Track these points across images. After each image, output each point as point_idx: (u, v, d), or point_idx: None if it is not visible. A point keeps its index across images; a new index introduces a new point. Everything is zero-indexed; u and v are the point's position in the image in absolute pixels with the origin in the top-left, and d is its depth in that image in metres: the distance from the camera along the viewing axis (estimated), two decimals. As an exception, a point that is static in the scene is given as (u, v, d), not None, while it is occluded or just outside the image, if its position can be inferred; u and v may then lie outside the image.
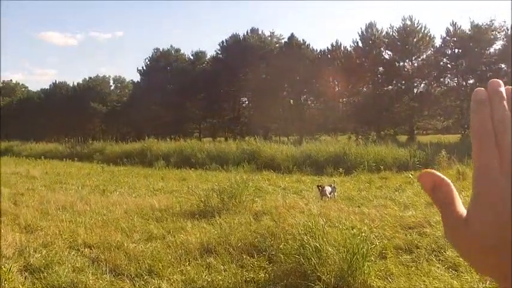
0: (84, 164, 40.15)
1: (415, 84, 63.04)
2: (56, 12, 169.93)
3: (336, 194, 17.05)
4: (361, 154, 28.38)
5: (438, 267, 8.68)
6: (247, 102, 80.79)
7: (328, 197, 16.32)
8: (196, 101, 77.15)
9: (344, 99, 69.44)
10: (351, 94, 67.65)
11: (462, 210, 0.82)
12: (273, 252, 9.56)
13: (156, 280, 8.56)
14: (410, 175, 20.97)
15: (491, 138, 0.80)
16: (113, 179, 26.13)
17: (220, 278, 8.58)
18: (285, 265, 8.68)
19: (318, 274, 8.13)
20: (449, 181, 0.86)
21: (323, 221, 10.18)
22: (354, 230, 9.55)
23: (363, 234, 8.93)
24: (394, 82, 63.84)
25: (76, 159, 43.56)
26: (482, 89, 0.86)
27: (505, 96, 0.84)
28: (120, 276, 8.84)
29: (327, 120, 66.32)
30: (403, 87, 63.36)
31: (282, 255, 8.90)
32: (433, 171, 0.87)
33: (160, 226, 12.50)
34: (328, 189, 16.58)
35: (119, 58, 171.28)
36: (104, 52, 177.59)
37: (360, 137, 56.80)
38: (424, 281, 8.04)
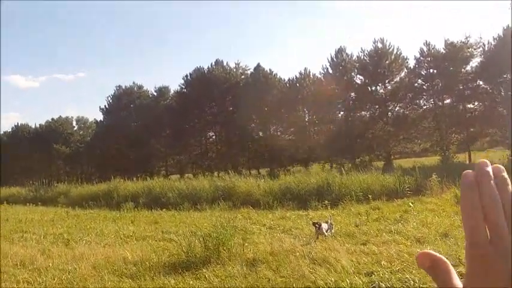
0: (48, 208, 37.83)
1: (390, 108, 61.08)
2: (17, 55, 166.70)
3: (333, 231, 15.23)
4: (346, 184, 26.72)
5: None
6: (214, 136, 78.81)
7: (325, 235, 14.51)
8: (161, 137, 75.54)
9: (316, 128, 67.65)
10: (322, 122, 65.82)
11: (459, 284, 0.92)
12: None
13: None
14: (410, 203, 19.30)
15: (481, 217, 0.87)
16: (79, 225, 23.91)
17: None
18: None
19: None
20: (445, 259, 0.95)
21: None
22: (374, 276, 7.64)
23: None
24: (368, 107, 61.49)
25: (40, 203, 41.66)
26: (470, 171, 0.92)
27: (492, 176, 0.90)
28: None
29: (298, 150, 64.92)
30: (377, 111, 61.27)
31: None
32: (429, 251, 0.96)
33: (136, 286, 10.37)
34: (325, 226, 14.84)
35: (82, 99, 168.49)
36: (67, 94, 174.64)
37: (334, 165, 55.54)
38: None
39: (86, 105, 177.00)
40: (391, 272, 9.45)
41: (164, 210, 28.53)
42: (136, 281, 10.72)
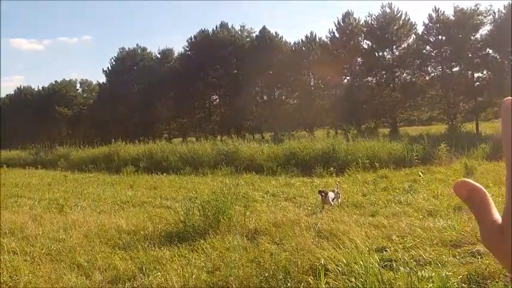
0: (47, 172, 37.44)
1: (397, 74, 59.99)
2: (21, 18, 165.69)
3: (339, 200, 14.52)
4: (352, 150, 26.08)
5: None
6: (218, 99, 78.05)
7: (331, 205, 13.82)
8: (165, 100, 74.27)
9: (321, 93, 66.41)
10: (328, 87, 64.72)
11: (497, 216, 0.88)
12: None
13: None
14: (420, 173, 18.54)
15: None
16: (76, 190, 23.17)
17: None
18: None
19: None
20: (483, 189, 0.91)
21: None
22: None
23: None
24: (374, 73, 60.77)
25: (40, 166, 41.37)
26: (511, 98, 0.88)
27: None
28: None
29: (303, 115, 64.36)
30: (384, 77, 60.55)
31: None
32: (467, 180, 0.93)
33: (128, 257, 9.60)
34: (331, 195, 14.07)
35: (87, 62, 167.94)
36: (71, 57, 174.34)
37: (339, 131, 54.82)
38: None
39: (91, 68, 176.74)
40: (403, 249, 8.72)
41: (165, 174, 27.92)
42: (129, 252, 9.97)
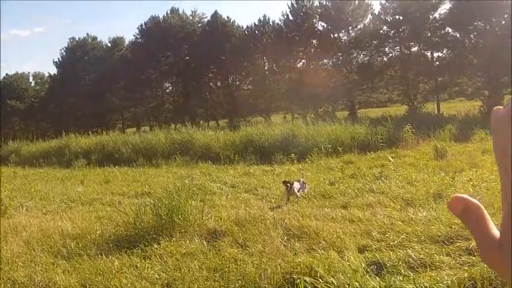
0: (-3, 168, 35.35)
1: (354, 56, 59.79)
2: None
3: (306, 190, 13.48)
4: (313, 135, 25.24)
5: None
6: (171, 87, 77.67)
7: (297, 196, 12.82)
8: (117, 90, 74.36)
9: (276, 77, 65.82)
10: (283, 71, 64.41)
11: (495, 232, 0.86)
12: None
13: None
14: (390, 158, 17.63)
15: None
16: (24, 187, 21.63)
17: None
18: None
19: None
20: (479, 204, 0.89)
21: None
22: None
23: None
24: (330, 55, 60.26)
25: (-9, 163, 38.70)
26: (501, 107, 0.88)
27: None
28: None
29: (258, 100, 64.03)
30: (340, 60, 60.05)
31: None
32: (462, 195, 0.91)
33: (72, 269, 8.32)
34: (297, 185, 13.03)
35: (41, 54, 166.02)
36: (25, 50, 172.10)
37: (295, 116, 54.17)
38: None
39: (45, 61, 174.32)
40: (387, 247, 7.70)
41: (117, 167, 26.64)
42: (73, 262, 8.70)
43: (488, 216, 0.88)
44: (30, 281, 7.96)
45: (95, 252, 9.08)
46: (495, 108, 0.87)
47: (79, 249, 9.41)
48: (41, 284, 7.86)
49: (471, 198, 0.89)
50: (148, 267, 8.04)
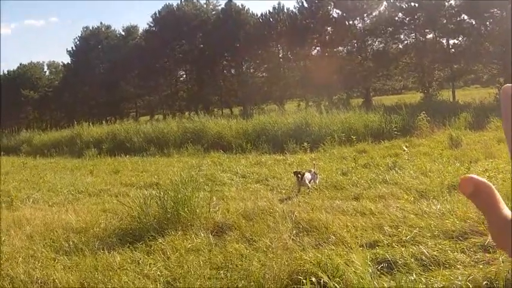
0: (9, 158, 35.39)
1: (369, 43, 59.21)
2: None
3: (317, 181, 13.11)
4: (326, 124, 24.97)
5: None
6: (184, 75, 77.00)
7: (308, 187, 12.49)
8: (130, 78, 73.83)
9: (290, 65, 65.34)
10: (297, 58, 63.75)
11: (506, 212, 0.86)
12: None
13: None
14: (404, 147, 17.15)
15: None
16: (33, 178, 21.34)
17: None
18: None
19: None
20: (490, 184, 0.88)
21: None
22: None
23: None
24: (345, 42, 59.63)
25: (3, 153, 39.19)
26: (510, 85, 0.88)
27: None
28: None
29: (272, 88, 63.51)
30: (355, 47, 59.47)
31: None
32: (472, 175, 0.89)
33: (73, 265, 8.05)
34: (308, 176, 12.67)
35: (56, 44, 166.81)
36: (40, 39, 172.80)
37: (310, 103, 53.71)
38: None
39: (59, 50, 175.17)
40: (399, 243, 7.34)
41: (128, 156, 26.55)
42: (74, 258, 8.41)
43: (499, 196, 0.85)
44: (28, 278, 7.68)
45: (98, 247, 8.80)
46: (506, 85, 0.86)
47: (81, 243, 9.12)
48: (39, 281, 7.59)
49: (481, 178, 0.86)
50: (150, 264, 7.75)
